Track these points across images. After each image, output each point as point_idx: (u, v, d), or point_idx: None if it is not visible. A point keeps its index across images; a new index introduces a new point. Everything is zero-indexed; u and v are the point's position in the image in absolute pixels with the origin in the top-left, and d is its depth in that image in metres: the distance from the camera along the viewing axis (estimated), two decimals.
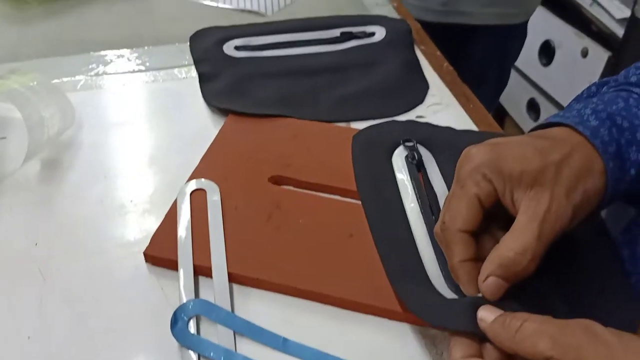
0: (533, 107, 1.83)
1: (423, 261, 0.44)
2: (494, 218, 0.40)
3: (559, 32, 1.71)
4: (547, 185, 0.37)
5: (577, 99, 0.49)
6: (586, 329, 0.32)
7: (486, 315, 0.36)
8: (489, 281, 0.37)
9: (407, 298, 0.40)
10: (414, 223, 0.47)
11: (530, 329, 0.33)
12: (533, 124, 1.82)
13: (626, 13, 1.53)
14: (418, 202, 0.48)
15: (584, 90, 0.50)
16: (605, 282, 0.43)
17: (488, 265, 0.37)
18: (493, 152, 0.39)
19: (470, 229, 0.39)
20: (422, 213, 0.48)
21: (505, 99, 1.84)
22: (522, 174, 0.37)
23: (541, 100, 1.78)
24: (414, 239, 0.46)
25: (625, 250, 0.47)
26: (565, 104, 1.81)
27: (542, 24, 1.67)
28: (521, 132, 1.93)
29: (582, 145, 0.39)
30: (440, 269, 0.43)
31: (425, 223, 0.47)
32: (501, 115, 2.03)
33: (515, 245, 0.36)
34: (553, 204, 0.37)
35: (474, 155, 0.39)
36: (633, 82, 0.45)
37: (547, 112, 1.76)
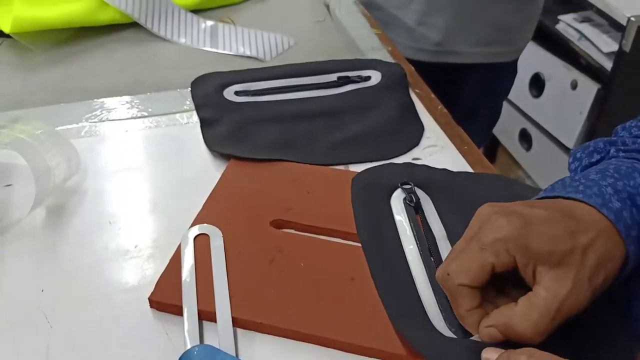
0: (525, 137, 1.87)
1: (423, 303, 0.45)
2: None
3: (549, 65, 1.75)
4: (573, 268, 0.38)
5: (587, 154, 0.50)
6: None
7: (491, 355, 0.37)
8: (490, 331, 0.39)
9: (414, 340, 0.41)
10: (413, 265, 0.48)
11: None
12: (525, 153, 1.84)
13: (614, 47, 1.57)
14: (417, 244, 0.50)
15: (590, 145, 0.50)
16: (607, 333, 0.44)
17: (493, 320, 0.39)
18: (522, 228, 0.39)
19: (474, 285, 0.40)
20: (421, 255, 0.49)
21: (497, 129, 1.87)
22: (550, 254, 0.38)
23: (532, 131, 1.82)
24: (413, 281, 0.47)
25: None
26: (555, 134, 1.83)
27: (533, 58, 1.71)
28: (513, 161, 1.96)
29: (608, 229, 0.40)
30: (440, 310, 0.44)
31: (424, 265, 0.48)
32: (494, 145, 2.06)
33: (530, 319, 0.37)
34: (576, 287, 0.38)
35: (502, 227, 0.39)
36: None
37: (538, 141, 1.79)
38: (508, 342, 0.39)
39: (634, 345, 0.43)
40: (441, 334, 0.42)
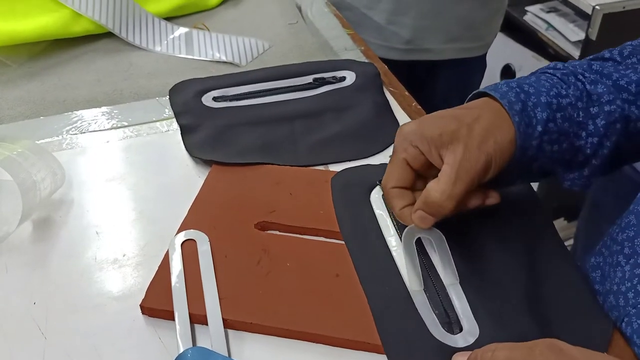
0: None
1: (408, 289, 0.47)
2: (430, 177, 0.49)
3: (519, 56, 1.79)
4: (462, 140, 0.46)
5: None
6: (552, 346, 0.36)
7: (460, 358, 0.41)
8: (417, 214, 0.47)
9: (386, 340, 0.44)
10: (396, 253, 0.50)
11: (501, 356, 0.36)
12: None
13: (581, 35, 1.61)
14: (398, 233, 0.52)
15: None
16: (574, 305, 0.47)
17: (417, 204, 0.47)
18: (417, 124, 0.49)
19: (401, 185, 0.49)
20: (402, 243, 0.51)
21: None
22: (441, 135, 0.46)
23: None
24: (397, 267, 0.49)
25: (597, 272, 0.51)
26: None
27: (502, 50, 1.75)
28: None
29: (493, 105, 0.48)
30: (425, 292, 0.47)
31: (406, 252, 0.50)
32: None
33: (437, 187, 0.46)
34: (467, 152, 0.46)
35: (403, 129, 0.49)
36: (558, 67, 0.53)
37: None
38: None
39: (608, 321, 0.46)
40: (423, 325, 0.44)
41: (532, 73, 0.54)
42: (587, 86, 0.50)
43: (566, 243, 0.54)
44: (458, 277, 0.48)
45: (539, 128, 0.48)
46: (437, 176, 0.47)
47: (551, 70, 0.53)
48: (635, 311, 0.44)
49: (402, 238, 0.49)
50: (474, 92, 0.52)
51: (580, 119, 0.49)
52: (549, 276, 0.49)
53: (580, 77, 0.50)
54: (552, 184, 1.70)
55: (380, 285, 0.47)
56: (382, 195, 0.54)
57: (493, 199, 0.50)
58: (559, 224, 1.77)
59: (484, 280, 0.48)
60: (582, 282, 0.49)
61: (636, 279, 0.45)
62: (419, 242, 0.50)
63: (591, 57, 0.54)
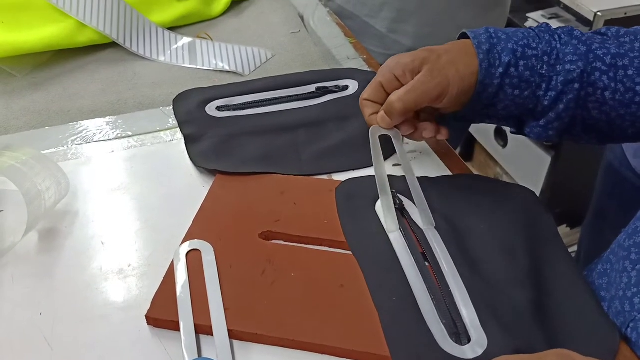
0: (500, 135, 1.91)
1: (416, 297, 0.47)
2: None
3: None
4: (429, 65, 0.55)
5: None
6: (563, 356, 0.36)
7: None
8: (379, 114, 0.59)
9: (395, 352, 0.44)
10: (405, 264, 0.50)
11: None
12: (501, 150, 1.87)
13: None
14: (405, 241, 0.52)
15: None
16: (581, 315, 0.47)
17: (384, 106, 0.59)
18: (396, 57, 0.59)
19: (372, 99, 0.60)
20: (410, 251, 0.51)
21: (474, 127, 1.91)
22: (413, 61, 0.56)
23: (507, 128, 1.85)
24: (406, 278, 0.49)
25: (604, 279, 0.51)
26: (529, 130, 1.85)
27: None
28: (490, 158, 1.99)
29: (466, 44, 0.56)
30: (432, 300, 0.47)
31: (415, 262, 0.50)
32: (471, 143, 2.10)
33: (397, 93, 0.56)
34: (427, 73, 0.55)
35: (385, 63, 0.59)
36: (542, 26, 0.58)
37: (513, 137, 1.83)
38: None
39: (615, 332, 0.46)
40: (430, 335, 0.44)
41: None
42: (558, 45, 0.55)
43: (570, 250, 0.54)
44: (433, 221, 0.53)
45: (500, 70, 0.55)
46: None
47: (536, 27, 0.58)
48: None
49: (370, 136, 0.59)
50: (460, 32, 0.60)
51: (544, 72, 0.54)
52: (555, 286, 0.49)
53: (557, 37, 0.56)
54: (556, 190, 1.71)
55: (389, 295, 0.47)
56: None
57: (442, 135, 0.60)
58: (562, 230, 1.77)
59: (491, 290, 0.48)
60: (588, 292, 0.49)
61: None
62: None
63: (594, 30, 0.58)
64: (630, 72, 0.53)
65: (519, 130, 0.61)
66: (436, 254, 0.51)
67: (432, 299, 0.47)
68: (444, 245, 0.51)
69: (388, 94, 0.58)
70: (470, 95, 0.56)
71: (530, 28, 0.58)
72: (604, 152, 1.00)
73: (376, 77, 0.60)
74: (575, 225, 1.76)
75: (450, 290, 0.48)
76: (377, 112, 0.59)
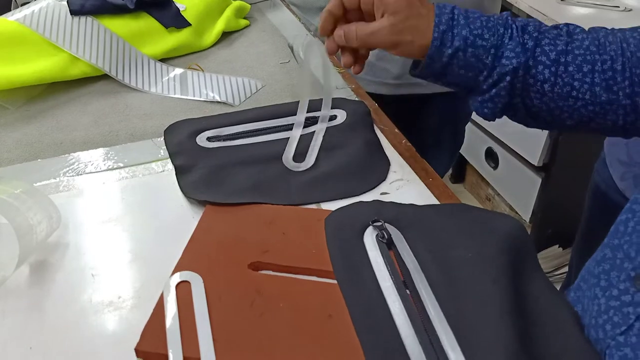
0: (491, 156, 1.92)
1: (401, 335, 0.47)
2: None
3: None
4: (393, 21, 0.61)
5: None
6: None
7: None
8: (338, 32, 0.65)
9: None
10: (390, 299, 0.51)
11: None
12: (492, 171, 1.87)
13: None
14: (392, 279, 0.52)
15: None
16: (565, 343, 0.47)
17: (345, 27, 0.65)
18: None
19: (333, 12, 0.65)
20: (396, 289, 0.51)
21: (465, 149, 1.93)
22: (389, 4, 0.61)
23: (498, 149, 1.87)
24: (391, 315, 0.49)
25: (578, 306, 0.51)
26: (518, 150, 1.86)
27: None
28: (482, 179, 2.01)
29: (433, 15, 0.62)
30: (419, 342, 0.47)
31: (400, 298, 0.50)
32: (462, 165, 2.12)
33: (358, 29, 0.63)
34: (388, 27, 0.61)
35: None
36: (506, 17, 0.62)
37: (503, 158, 1.85)
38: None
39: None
40: None
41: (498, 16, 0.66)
42: (506, 40, 0.61)
43: (561, 271, 0.55)
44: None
45: (449, 51, 0.61)
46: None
47: (498, 16, 0.63)
48: (615, 343, 0.45)
49: (315, 47, 0.69)
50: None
51: (487, 62, 0.61)
52: (541, 316, 0.49)
53: (509, 31, 0.61)
54: (547, 211, 1.72)
55: (374, 334, 0.48)
56: (381, 251, 0.55)
57: (355, 70, 0.69)
58: (553, 251, 1.77)
59: (476, 330, 0.48)
60: (572, 320, 0.49)
61: (611, 310, 0.46)
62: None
63: (550, 25, 0.63)
64: (570, 69, 0.60)
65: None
66: (421, 295, 0.51)
67: (418, 342, 0.47)
68: (429, 289, 0.51)
69: (345, 8, 0.65)
70: (414, 57, 0.64)
71: (491, 16, 0.63)
72: (592, 175, 1.02)
73: None
74: (567, 245, 1.77)
75: (437, 335, 0.47)
76: (331, 27, 0.66)
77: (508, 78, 0.61)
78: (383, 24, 0.62)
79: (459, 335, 0.47)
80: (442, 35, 0.61)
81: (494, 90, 0.62)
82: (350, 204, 0.62)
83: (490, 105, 0.63)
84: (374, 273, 0.53)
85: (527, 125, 0.67)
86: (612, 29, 0.63)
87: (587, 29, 0.63)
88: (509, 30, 0.61)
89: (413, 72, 0.67)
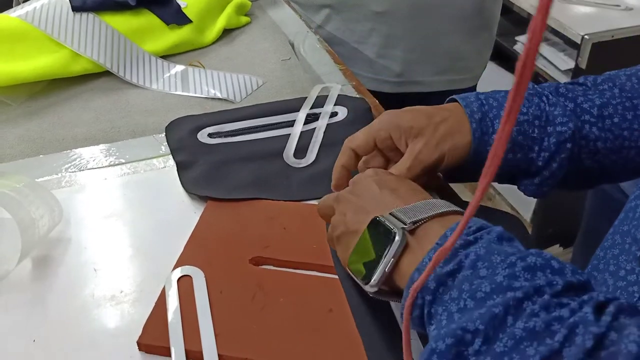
0: None
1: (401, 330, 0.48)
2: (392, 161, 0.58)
3: (509, 86, 1.79)
4: (425, 136, 0.55)
5: None
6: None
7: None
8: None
9: None
10: None
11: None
12: None
13: (570, 64, 1.64)
14: None
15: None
16: None
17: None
18: (395, 116, 0.57)
19: (356, 150, 0.57)
20: None
21: None
22: (412, 128, 0.55)
23: None
24: (391, 310, 0.50)
25: None
26: None
27: (494, 79, 1.76)
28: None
29: (460, 111, 0.56)
30: (418, 337, 0.47)
31: None
32: None
33: (397, 168, 0.55)
34: (425, 147, 0.54)
35: (381, 119, 0.58)
36: (529, 88, 0.57)
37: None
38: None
39: None
40: None
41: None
42: (547, 107, 0.56)
43: None
44: None
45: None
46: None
47: (529, 87, 0.58)
48: None
49: None
50: (450, 97, 0.60)
51: (535, 135, 0.55)
52: None
53: (545, 98, 0.57)
54: (548, 210, 1.72)
55: (375, 328, 0.48)
56: None
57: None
58: (555, 250, 1.78)
59: None
60: None
61: (618, 291, 0.46)
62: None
63: (569, 81, 0.59)
64: (616, 120, 0.56)
65: (512, 184, 0.61)
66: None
67: (418, 336, 0.47)
68: None
69: (376, 145, 0.57)
70: (462, 160, 0.56)
71: (505, 92, 0.58)
72: None
73: (372, 128, 0.57)
74: (567, 244, 1.77)
75: None
76: (347, 168, 0.58)
77: (569, 145, 0.55)
78: (414, 150, 0.54)
79: None
80: (480, 124, 0.55)
81: (554, 165, 0.56)
82: None
83: (551, 182, 0.57)
84: None
85: (571, 190, 0.62)
86: (624, 71, 0.60)
87: (600, 76, 0.59)
88: (544, 98, 0.57)
89: (451, 176, 0.61)
